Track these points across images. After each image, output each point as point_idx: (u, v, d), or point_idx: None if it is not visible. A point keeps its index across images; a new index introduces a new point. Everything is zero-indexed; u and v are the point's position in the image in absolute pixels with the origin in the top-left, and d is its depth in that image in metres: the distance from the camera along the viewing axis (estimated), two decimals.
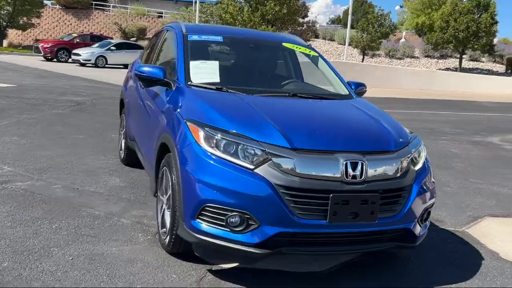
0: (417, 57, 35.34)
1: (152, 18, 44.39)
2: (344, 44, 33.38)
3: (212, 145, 3.13)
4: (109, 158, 6.37)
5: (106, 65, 27.43)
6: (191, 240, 3.20)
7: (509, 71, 32.45)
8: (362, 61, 31.43)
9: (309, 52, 4.91)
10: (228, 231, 3.04)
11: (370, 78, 18.58)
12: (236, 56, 4.75)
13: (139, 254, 3.56)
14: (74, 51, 28.11)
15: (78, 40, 30.91)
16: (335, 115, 3.83)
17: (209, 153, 3.12)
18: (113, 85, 17.12)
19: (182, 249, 3.45)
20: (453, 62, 33.60)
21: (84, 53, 27.45)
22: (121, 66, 28.07)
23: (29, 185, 4.97)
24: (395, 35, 38.71)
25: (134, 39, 37.74)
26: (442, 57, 35.16)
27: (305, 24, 31.17)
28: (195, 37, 4.55)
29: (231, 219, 3.01)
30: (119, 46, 28.91)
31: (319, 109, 3.92)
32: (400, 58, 34.75)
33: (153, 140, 4.08)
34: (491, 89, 25.63)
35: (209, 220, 3.08)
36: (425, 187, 3.42)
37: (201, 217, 3.10)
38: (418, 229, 3.40)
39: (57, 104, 11.02)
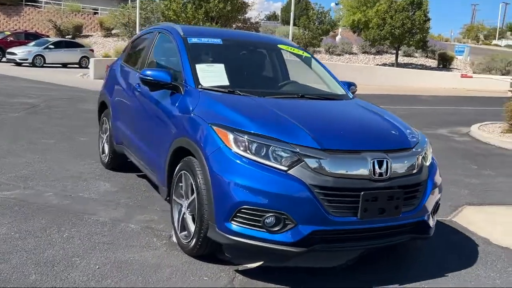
0: (355, 53, 36.47)
1: (88, 15, 42.87)
2: None
3: (243, 148, 3.20)
4: (89, 162, 6.22)
5: (44, 65, 26.30)
6: (224, 242, 3.25)
7: (441, 65, 34.24)
8: None
9: (302, 53, 5.05)
10: (265, 231, 3.12)
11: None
12: (237, 59, 4.79)
13: (162, 259, 3.56)
14: (9, 50, 26.77)
15: (12, 39, 29.40)
16: (351, 115, 4.00)
17: (241, 156, 3.18)
18: (59, 85, 16.56)
19: (208, 251, 3.50)
20: (389, 58, 34.98)
21: (20, 52, 26.19)
22: (60, 65, 27.09)
23: (19, 194, 4.79)
24: (334, 32, 39.71)
25: (69, 36, 36.32)
26: (378, 53, 36.49)
27: (248, 21, 31.36)
28: (194, 40, 4.55)
29: (268, 220, 3.10)
30: (58, 45, 27.80)
31: (333, 109, 4.07)
32: (339, 55, 35.73)
33: (161, 145, 4.07)
34: (427, 83, 26.94)
35: (244, 221, 3.14)
36: (436, 182, 3.66)
37: (236, 219, 3.15)
38: (431, 221, 3.63)
39: (11, 107, 10.53)
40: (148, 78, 4.13)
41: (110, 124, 5.73)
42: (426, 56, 36.86)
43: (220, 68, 4.31)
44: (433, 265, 3.82)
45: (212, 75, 4.17)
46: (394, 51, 33.74)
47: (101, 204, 4.69)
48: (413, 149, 3.55)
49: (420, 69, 32.61)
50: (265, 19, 77.15)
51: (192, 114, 3.71)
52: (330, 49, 35.86)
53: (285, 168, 3.12)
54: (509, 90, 16.50)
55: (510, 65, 31.01)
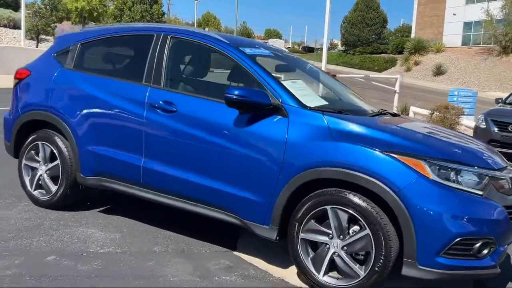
0: None
1: None
2: (9, 27, 29.87)
3: (439, 176, 3.09)
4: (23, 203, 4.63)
5: None
6: (431, 278, 3.08)
7: None
8: (37, 47, 28.91)
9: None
10: (474, 259, 3.11)
11: None
12: (298, 73, 4.30)
13: None
14: None
15: None
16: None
17: (441, 185, 3.07)
18: None
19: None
20: None
21: None
22: None
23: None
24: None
25: None
26: None
27: None
28: (249, 51, 3.94)
29: (477, 247, 3.09)
30: None
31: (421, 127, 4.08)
32: None
33: (254, 178, 3.52)
34: None
35: (456, 252, 3.06)
36: None
37: (449, 251, 3.04)
38: None
39: None
40: (244, 99, 3.42)
41: (70, 151, 4.37)
42: None
43: (302, 84, 3.87)
44: None
45: (304, 93, 3.72)
46: None
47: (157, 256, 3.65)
48: None
49: None
50: None
51: (335, 140, 3.29)
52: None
53: (481, 193, 3.15)
54: None
55: None
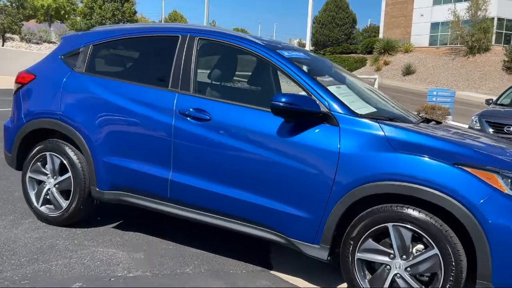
0: (55, 43, 33.45)
1: None
2: None
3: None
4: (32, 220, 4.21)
5: None
6: None
7: None
8: (2, 45, 27.64)
9: None
10: None
11: (19, 66, 14.85)
12: (337, 78, 4.00)
13: None
14: None
15: None
16: None
17: None
18: None
19: None
20: None
21: None
22: None
23: None
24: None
25: None
26: None
27: None
28: (287, 54, 3.65)
29: None
30: None
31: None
32: (38, 43, 32.13)
33: (300, 191, 3.24)
34: None
35: None
36: None
37: None
38: None
39: None
40: (293, 106, 3.13)
41: (83, 163, 3.98)
42: None
43: (346, 90, 3.61)
44: None
45: (349, 99, 3.45)
46: None
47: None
48: None
49: None
50: None
51: (395, 151, 3.03)
52: (26, 37, 31.89)
53: None
54: None
55: None
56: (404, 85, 34.45)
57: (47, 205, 4.22)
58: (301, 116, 3.21)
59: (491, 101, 10.86)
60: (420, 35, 43.73)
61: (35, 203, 4.22)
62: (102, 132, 3.89)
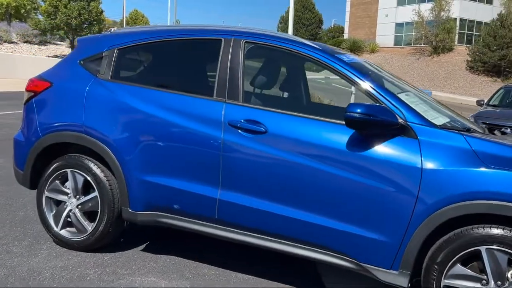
0: (17, 43, 32.07)
1: None
2: None
3: None
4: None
5: None
6: None
7: None
8: None
9: None
10: None
11: None
12: (397, 85, 3.68)
13: None
14: None
15: None
16: None
17: None
18: None
19: None
20: (58, 49, 32.22)
21: None
22: None
23: None
24: None
25: None
26: (41, 43, 33.13)
27: None
28: (346, 58, 3.33)
29: None
30: None
31: None
32: None
33: (376, 212, 2.92)
34: None
35: None
36: None
37: None
38: None
39: None
40: (370, 118, 2.81)
41: (112, 180, 3.55)
42: None
43: (415, 98, 3.31)
44: None
45: (421, 108, 3.16)
46: (60, 42, 31.54)
47: None
48: None
49: None
50: None
51: (488, 167, 2.74)
52: None
53: None
54: None
55: None
56: None
57: (67, 228, 3.76)
58: (377, 128, 2.89)
59: (482, 102, 10.87)
60: (385, 35, 44.36)
61: (55, 227, 3.75)
62: (136, 147, 3.46)
